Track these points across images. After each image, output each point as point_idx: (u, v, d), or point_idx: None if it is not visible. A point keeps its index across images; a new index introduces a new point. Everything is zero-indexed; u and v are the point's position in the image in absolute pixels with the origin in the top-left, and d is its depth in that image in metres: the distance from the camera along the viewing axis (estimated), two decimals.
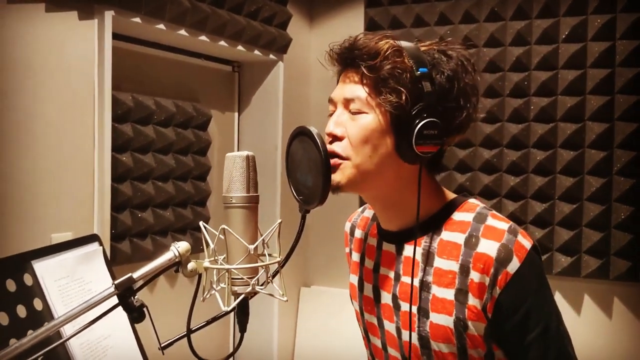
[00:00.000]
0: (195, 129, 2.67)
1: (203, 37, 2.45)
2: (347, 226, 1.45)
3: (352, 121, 1.14)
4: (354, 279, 1.36)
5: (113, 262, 2.23)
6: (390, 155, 1.13)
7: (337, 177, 1.14)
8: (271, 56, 2.83)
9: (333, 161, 1.12)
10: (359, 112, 1.14)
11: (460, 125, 1.15)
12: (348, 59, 1.16)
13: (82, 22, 2.04)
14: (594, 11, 2.59)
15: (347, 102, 1.16)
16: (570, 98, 2.64)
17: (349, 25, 3.08)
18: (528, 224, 2.70)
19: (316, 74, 3.18)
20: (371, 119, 1.12)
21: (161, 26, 2.26)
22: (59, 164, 1.98)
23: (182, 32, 2.35)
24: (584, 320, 2.69)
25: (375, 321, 1.29)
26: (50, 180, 1.95)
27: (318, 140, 1.05)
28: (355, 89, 1.14)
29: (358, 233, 1.39)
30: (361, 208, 1.45)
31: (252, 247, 0.99)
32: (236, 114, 2.99)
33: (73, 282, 1.29)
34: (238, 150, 2.97)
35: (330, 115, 1.20)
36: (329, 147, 1.12)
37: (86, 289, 1.31)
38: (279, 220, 1.02)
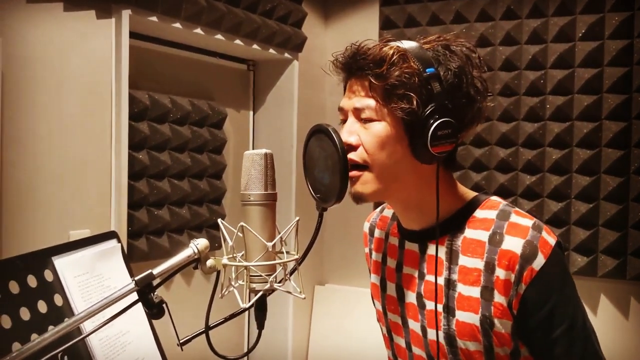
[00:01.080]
0: (211, 127, 2.68)
1: (219, 36, 2.46)
2: (366, 226, 1.44)
3: (365, 129, 1.14)
4: (376, 278, 1.36)
5: (130, 259, 2.23)
6: (407, 158, 1.13)
7: (358, 189, 1.14)
8: (286, 55, 2.84)
9: (353, 173, 1.12)
10: (371, 120, 1.13)
11: (473, 118, 1.14)
12: (353, 67, 1.15)
13: (99, 21, 2.06)
14: (610, 9, 2.57)
15: (357, 112, 1.15)
16: (586, 96, 2.62)
17: (364, 24, 3.08)
18: (544, 223, 2.68)
19: (331, 72, 3.18)
20: (383, 127, 1.12)
21: (177, 25, 2.27)
22: (77, 162, 2.00)
23: (198, 30, 2.36)
24: (600, 320, 2.66)
25: (399, 320, 1.28)
26: (68, 177, 1.97)
27: (335, 137, 1.05)
28: (364, 99, 1.14)
29: (378, 233, 1.38)
30: (379, 208, 1.44)
31: (270, 244, 0.99)
32: (251, 113, 3.00)
33: (92, 278, 1.30)
34: (254, 149, 2.98)
35: (342, 123, 1.20)
36: None
37: (105, 285, 1.32)
38: (297, 218, 1.03)
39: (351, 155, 1.13)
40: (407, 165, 1.13)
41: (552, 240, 1.12)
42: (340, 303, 3.14)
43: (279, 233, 1.03)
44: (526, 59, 2.72)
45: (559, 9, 2.67)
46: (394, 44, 1.13)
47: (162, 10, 2.18)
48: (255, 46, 2.64)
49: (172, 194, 2.46)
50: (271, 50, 2.74)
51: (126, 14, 2.08)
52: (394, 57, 1.10)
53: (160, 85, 2.49)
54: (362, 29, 3.08)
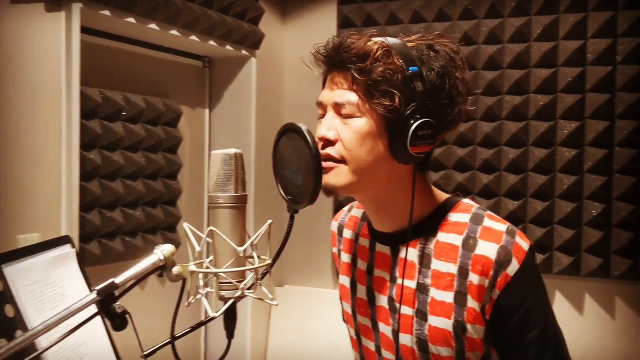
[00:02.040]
0: (166, 125, 2.60)
1: (174, 32, 2.38)
2: (335, 226, 1.41)
3: (344, 125, 1.11)
4: (345, 280, 1.33)
5: (82, 264, 2.15)
6: (385, 157, 1.10)
7: (331, 181, 1.11)
8: (243, 52, 2.78)
9: (327, 164, 1.10)
10: (351, 116, 1.10)
11: (453, 121, 1.12)
12: (336, 61, 1.11)
13: (49, 15, 1.96)
14: (594, 9, 2.57)
15: (338, 107, 1.12)
16: (570, 96, 2.62)
17: (322, 22, 3.04)
18: (528, 223, 2.68)
19: (289, 70, 3.14)
20: (364, 123, 1.09)
21: (131, 20, 2.19)
22: (25, 163, 1.90)
23: (153, 26, 2.28)
24: (585, 320, 2.68)
25: (369, 324, 1.26)
26: (16, 179, 1.87)
27: (308, 137, 1.01)
28: (345, 94, 1.11)
29: (347, 233, 1.35)
30: (348, 207, 1.41)
31: (241, 249, 0.94)
32: (207, 111, 2.93)
33: (46, 287, 1.22)
34: (210, 148, 2.91)
35: (320, 118, 1.16)
36: (322, 151, 1.10)
37: (60, 293, 1.24)
38: (270, 221, 0.98)
39: (329, 151, 1.10)
40: (383, 164, 1.11)
41: (525, 246, 1.11)
42: (300, 304, 3.09)
43: (250, 238, 0.98)
44: (484, 59, 2.73)
45: (515, 10, 2.69)
46: (378, 39, 1.11)
47: (116, 4, 2.10)
48: (212, 42, 2.57)
49: (126, 195, 2.37)
50: (228, 47, 2.68)
51: (77, 7, 1.99)
52: (379, 53, 1.07)
53: (113, 83, 2.40)
54: (321, 27, 3.04)
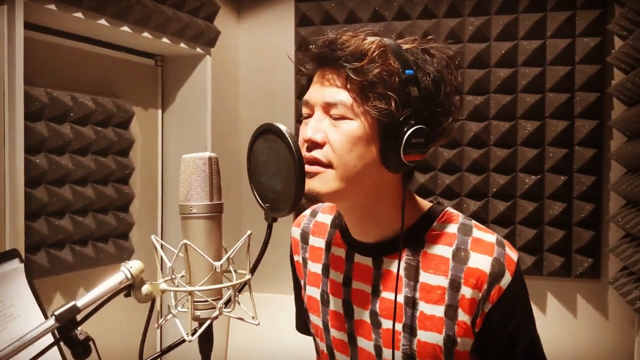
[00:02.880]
0: (116, 127, 2.46)
1: (125, 28, 2.25)
2: (296, 232, 1.33)
3: (334, 127, 1.03)
4: (314, 291, 1.25)
5: (30, 280, 2.00)
6: (374, 164, 1.03)
7: (316, 186, 1.03)
8: (198, 50, 2.66)
9: (313, 168, 1.02)
10: (342, 118, 1.03)
11: (444, 130, 1.06)
12: (328, 58, 1.04)
13: None
14: (582, 6, 2.55)
15: (327, 107, 1.04)
16: (530, 95, 2.60)
17: (279, 20, 2.95)
18: (490, 222, 2.66)
19: (245, 70, 3.03)
20: (356, 126, 1.02)
21: (79, 14, 2.05)
22: None
23: (102, 21, 2.15)
24: (548, 319, 2.66)
25: (345, 338, 1.18)
26: None
27: (290, 139, 0.92)
28: (337, 93, 1.03)
29: (315, 241, 1.27)
30: (309, 211, 1.33)
31: (218, 264, 0.85)
32: (160, 111, 2.80)
33: None
34: (163, 150, 2.78)
35: (305, 118, 1.08)
36: (308, 154, 1.02)
37: (8, 314, 1.12)
38: (249, 232, 0.89)
39: (315, 154, 1.02)
40: (372, 171, 1.04)
41: (515, 256, 1.08)
42: (259, 311, 2.99)
43: (227, 252, 0.89)
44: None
45: (475, 9, 2.66)
46: (374, 38, 1.03)
47: None
48: (165, 40, 2.45)
49: (75, 201, 2.22)
50: (182, 45, 2.55)
51: (20, 1, 1.84)
52: (376, 53, 1.00)
53: (60, 82, 2.25)
54: (278, 25, 2.95)
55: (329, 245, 1.23)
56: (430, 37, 1.10)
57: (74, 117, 2.23)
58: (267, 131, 0.97)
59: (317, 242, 1.26)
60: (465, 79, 2.67)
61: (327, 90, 1.04)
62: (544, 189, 2.60)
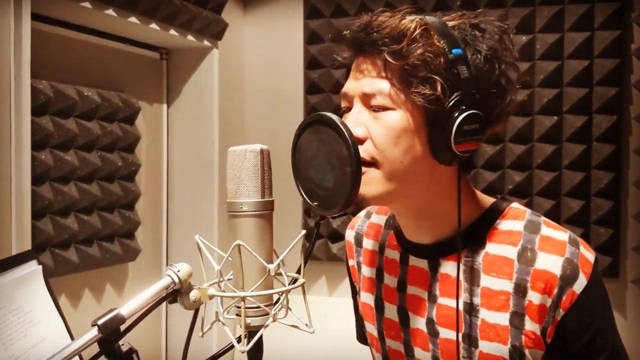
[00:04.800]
0: (122, 122, 2.37)
1: (132, 19, 2.16)
2: (350, 235, 1.23)
3: (375, 120, 0.94)
4: (369, 297, 1.15)
5: (49, 283, 1.92)
6: (424, 157, 0.93)
7: (362, 190, 0.91)
8: (205, 42, 2.57)
9: None
10: (383, 109, 0.93)
11: (501, 112, 0.96)
12: (365, 42, 0.94)
13: None
14: (570, 1, 2.50)
15: (366, 98, 0.95)
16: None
17: (287, 12, 2.86)
18: None
19: (251, 62, 2.95)
20: (399, 117, 0.92)
21: (86, 4, 1.96)
22: None
23: (110, 11, 2.06)
24: None
25: (401, 348, 1.09)
26: None
27: (344, 130, 0.84)
28: (376, 82, 0.93)
29: (369, 243, 1.17)
30: (364, 212, 1.23)
31: (271, 266, 0.77)
32: (165, 106, 2.71)
33: (11, 313, 1.02)
34: (168, 146, 2.70)
35: (344, 112, 0.99)
36: None
37: (27, 320, 1.04)
38: (303, 232, 0.82)
39: None
40: (423, 166, 0.94)
41: (591, 257, 0.96)
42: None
43: (278, 255, 0.81)
44: None
45: (491, 1, 2.60)
46: (414, 16, 0.93)
47: None
48: (172, 31, 2.36)
49: (80, 199, 2.14)
50: (189, 37, 2.47)
51: None
52: (416, 32, 0.90)
53: (65, 75, 2.16)
54: (286, 17, 2.86)
55: (382, 247, 1.14)
56: (479, 10, 1.01)
57: (79, 112, 2.14)
58: (317, 122, 0.89)
59: (371, 244, 1.17)
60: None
61: (365, 80, 0.95)
62: (562, 186, 2.54)
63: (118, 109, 2.32)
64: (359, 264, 1.20)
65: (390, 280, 1.10)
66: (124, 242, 2.38)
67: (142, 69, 2.59)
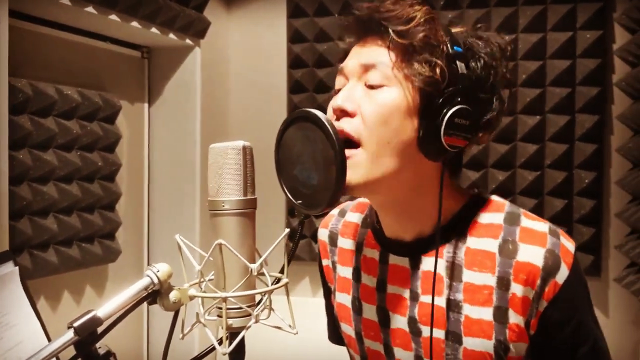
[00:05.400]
0: (103, 121, 2.33)
1: (113, 17, 2.13)
2: (324, 234, 1.21)
3: (367, 97, 0.93)
4: (344, 298, 1.14)
5: (25, 284, 1.88)
6: (411, 147, 0.93)
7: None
8: (187, 41, 2.54)
9: None
10: (380, 86, 0.93)
11: (489, 122, 0.97)
12: (372, 23, 0.94)
13: None
14: (552, 1, 2.51)
15: (364, 70, 0.94)
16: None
17: (271, 11, 2.85)
18: None
19: (235, 62, 2.92)
20: (395, 95, 0.91)
21: (65, 1, 1.93)
22: None
23: (90, 9, 2.02)
24: None
25: (381, 349, 1.07)
26: None
27: (329, 127, 0.83)
28: (378, 53, 0.93)
29: (345, 243, 1.16)
30: (337, 210, 1.22)
31: (254, 266, 0.76)
32: (146, 105, 2.67)
33: None
34: (149, 147, 2.66)
35: (338, 91, 0.98)
36: (336, 124, 0.91)
37: (3, 322, 1.01)
38: (287, 230, 0.80)
39: (343, 124, 0.91)
40: (408, 157, 0.93)
41: (571, 247, 0.96)
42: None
43: (260, 254, 0.80)
44: None
45: (474, 1, 2.60)
46: (421, 6, 0.94)
47: None
48: (154, 29, 2.33)
49: (60, 199, 2.10)
50: (171, 35, 2.44)
51: None
52: (423, 18, 0.91)
53: (44, 73, 2.12)
54: (269, 16, 2.84)
55: (360, 246, 1.12)
56: (479, 25, 1.02)
57: (58, 111, 2.10)
58: (302, 118, 0.87)
59: (347, 243, 1.15)
60: None
61: (365, 52, 0.95)
62: (544, 185, 2.55)
63: (98, 108, 2.28)
64: (334, 263, 1.18)
65: (369, 280, 1.09)
66: (105, 243, 2.34)
67: (123, 68, 2.56)
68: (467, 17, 2.59)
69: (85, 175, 2.24)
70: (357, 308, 1.11)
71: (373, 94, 0.93)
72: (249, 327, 0.76)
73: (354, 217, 1.17)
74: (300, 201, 0.88)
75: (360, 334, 1.11)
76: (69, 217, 2.16)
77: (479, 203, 1.02)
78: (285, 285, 0.80)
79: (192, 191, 2.61)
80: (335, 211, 1.22)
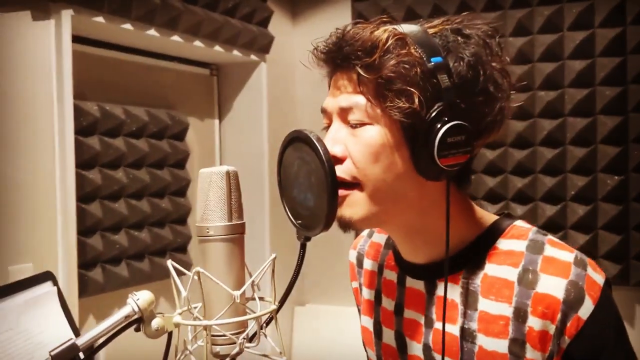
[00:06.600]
0: (171, 139, 2.42)
1: (175, 37, 2.20)
2: (352, 255, 1.17)
3: (353, 137, 0.89)
4: (368, 321, 1.10)
5: (84, 294, 1.98)
6: (409, 174, 0.88)
7: (346, 213, 0.88)
8: (252, 57, 2.59)
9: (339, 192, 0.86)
10: (361, 124, 0.88)
11: (493, 122, 0.89)
12: (338, 58, 0.89)
13: (36, 23, 1.79)
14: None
15: (343, 113, 0.90)
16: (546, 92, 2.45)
17: (335, 21, 2.80)
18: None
19: (301, 74, 2.94)
20: (377, 132, 0.87)
21: (127, 26, 2.01)
22: (16, 185, 1.73)
23: (152, 32, 2.10)
24: None
25: None
26: (5, 204, 1.70)
27: (319, 147, 0.80)
28: (351, 97, 0.89)
29: (369, 264, 1.12)
30: (367, 231, 1.17)
31: (237, 293, 0.75)
32: (216, 121, 2.75)
33: (17, 335, 1.04)
34: (221, 161, 2.73)
35: (325, 129, 0.94)
36: None
37: (35, 342, 1.06)
38: (273, 255, 0.78)
39: (337, 172, 0.86)
40: (408, 182, 0.88)
41: (600, 279, 0.87)
42: (323, 324, 2.89)
43: (250, 274, 0.79)
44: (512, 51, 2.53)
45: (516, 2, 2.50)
46: (389, 26, 0.88)
47: (109, 9, 1.92)
48: (217, 47, 2.39)
49: (130, 216, 2.19)
50: (235, 52, 2.49)
51: (67, 14, 1.82)
52: (389, 43, 0.84)
53: (112, 95, 2.23)
54: (334, 26, 2.82)
55: (381, 268, 1.08)
56: (465, 13, 0.94)
57: (127, 130, 2.20)
58: (295, 139, 0.85)
59: (370, 264, 1.11)
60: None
61: (341, 96, 0.90)
62: (566, 191, 2.42)
63: (167, 126, 2.37)
64: (360, 285, 1.14)
65: (388, 303, 1.04)
66: (176, 256, 2.42)
67: (192, 86, 2.64)
68: (507, 17, 2.51)
69: (155, 191, 2.33)
70: (378, 332, 1.07)
71: (357, 133, 0.89)
72: (234, 355, 0.75)
73: (379, 238, 1.13)
74: (300, 222, 0.87)
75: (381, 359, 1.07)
76: (139, 232, 2.25)
77: (501, 228, 0.95)
78: (273, 312, 0.78)
79: (261, 203, 2.65)
80: (365, 232, 1.18)
